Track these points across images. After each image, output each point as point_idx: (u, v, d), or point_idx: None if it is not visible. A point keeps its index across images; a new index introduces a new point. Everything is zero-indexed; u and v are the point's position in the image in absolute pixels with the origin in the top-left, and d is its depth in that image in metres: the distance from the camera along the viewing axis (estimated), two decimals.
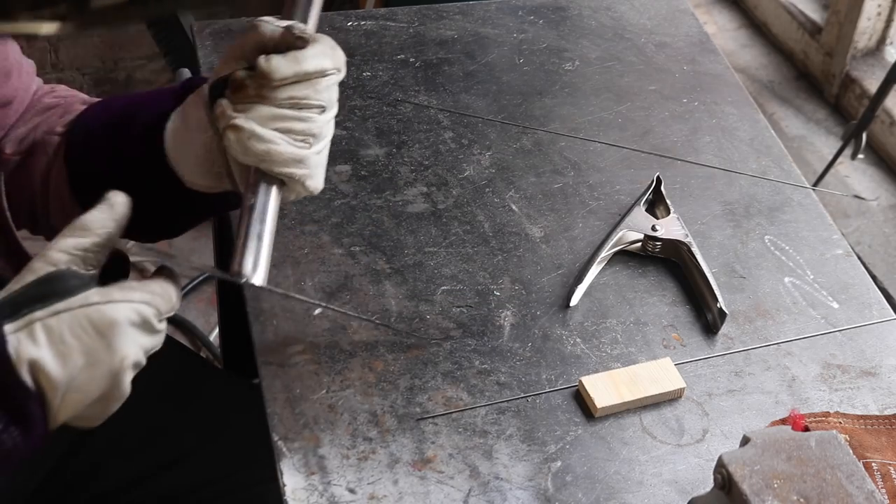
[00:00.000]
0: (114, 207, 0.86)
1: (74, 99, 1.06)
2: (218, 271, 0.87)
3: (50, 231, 1.06)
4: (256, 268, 0.88)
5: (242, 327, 1.06)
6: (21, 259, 1.07)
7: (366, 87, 1.33)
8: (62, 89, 1.09)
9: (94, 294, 0.79)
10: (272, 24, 0.89)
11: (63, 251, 0.82)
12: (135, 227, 0.91)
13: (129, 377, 0.81)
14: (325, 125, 0.89)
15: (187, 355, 1.35)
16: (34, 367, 0.77)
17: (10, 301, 0.79)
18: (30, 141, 1.03)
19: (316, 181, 0.91)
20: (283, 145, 0.87)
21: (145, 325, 0.82)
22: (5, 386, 0.77)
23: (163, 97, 0.98)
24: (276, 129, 0.87)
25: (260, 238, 0.89)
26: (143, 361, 0.82)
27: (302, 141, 0.88)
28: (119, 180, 0.93)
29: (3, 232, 1.04)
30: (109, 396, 0.81)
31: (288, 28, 0.88)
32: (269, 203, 0.90)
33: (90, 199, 0.90)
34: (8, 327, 0.77)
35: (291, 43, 0.88)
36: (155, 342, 0.84)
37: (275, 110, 0.87)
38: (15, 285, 0.80)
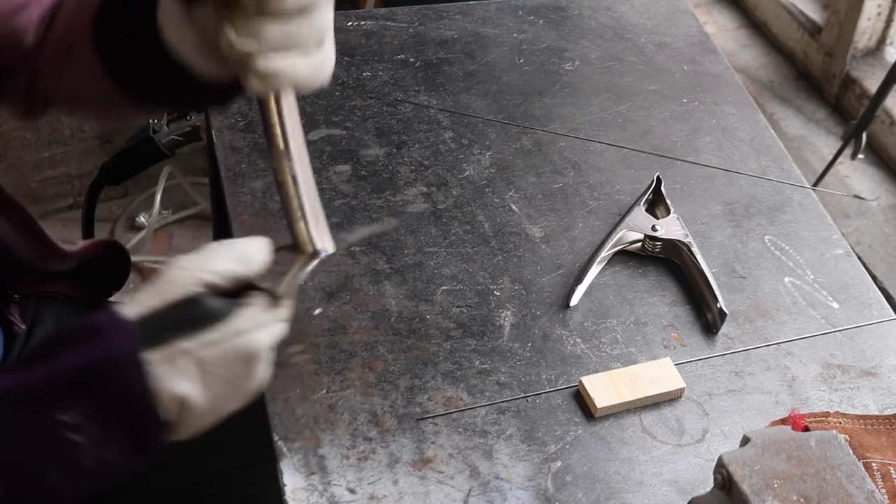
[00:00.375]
0: (260, 247, 0.80)
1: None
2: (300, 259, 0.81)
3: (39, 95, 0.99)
4: (324, 235, 0.83)
5: None
6: (14, 213, 1.07)
7: (366, 87, 1.33)
8: None
9: (242, 321, 0.75)
10: None
11: (213, 273, 0.76)
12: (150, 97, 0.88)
13: (256, 386, 0.79)
14: (329, 9, 0.81)
15: None
16: (180, 401, 0.74)
17: (155, 324, 0.74)
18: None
19: (330, 70, 0.84)
20: (303, 66, 0.78)
21: (277, 332, 0.79)
22: (143, 419, 0.73)
23: None
24: (293, 48, 0.78)
25: (310, 200, 0.81)
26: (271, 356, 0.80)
27: (317, 47, 0.80)
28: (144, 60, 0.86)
29: None
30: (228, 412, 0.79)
31: None
32: (295, 128, 0.80)
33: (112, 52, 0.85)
34: (155, 356, 0.73)
35: None
36: (278, 336, 0.80)
37: (286, 27, 0.77)
38: (151, 298, 0.75)
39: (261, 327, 0.76)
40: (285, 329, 0.80)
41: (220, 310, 0.75)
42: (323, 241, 0.82)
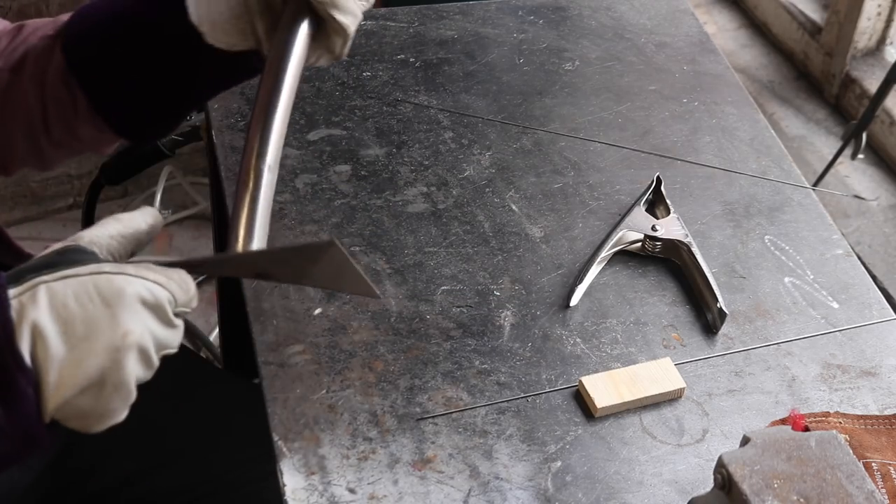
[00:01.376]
0: (150, 214, 0.83)
1: (59, 19, 1.00)
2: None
3: (54, 149, 1.02)
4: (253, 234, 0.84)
5: (242, 327, 1.06)
6: (5, 243, 1.07)
7: (366, 87, 1.33)
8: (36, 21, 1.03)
9: (106, 265, 0.75)
10: None
11: (87, 236, 0.80)
12: (141, 103, 0.90)
13: (130, 361, 0.75)
14: None
15: (187, 355, 1.34)
16: (34, 331, 0.72)
17: (19, 270, 0.75)
18: (19, 53, 0.97)
19: (347, 45, 0.90)
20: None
21: (158, 310, 0.77)
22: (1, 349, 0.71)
23: None
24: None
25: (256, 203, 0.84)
26: (152, 352, 0.76)
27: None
28: (125, 50, 0.90)
29: None
30: (107, 381, 0.74)
31: None
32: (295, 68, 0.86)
33: (91, 88, 0.89)
34: (11, 291, 0.73)
35: None
36: (168, 336, 0.78)
37: None
38: (32, 261, 0.76)
39: (128, 275, 0.75)
40: (173, 291, 0.78)
41: (88, 257, 0.76)
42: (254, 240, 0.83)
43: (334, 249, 0.82)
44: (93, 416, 0.76)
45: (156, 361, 0.79)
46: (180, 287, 0.79)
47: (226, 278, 1.52)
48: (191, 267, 0.82)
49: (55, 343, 0.73)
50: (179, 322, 0.80)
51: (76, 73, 0.96)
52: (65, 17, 0.99)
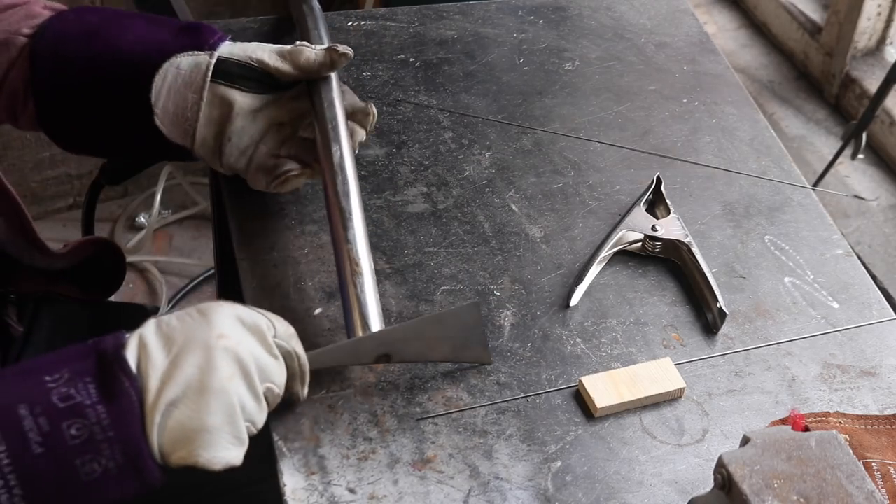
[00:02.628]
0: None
1: (35, 2, 1.06)
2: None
3: None
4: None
5: None
6: (4, 199, 1.07)
7: (366, 87, 1.33)
8: None
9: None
10: (313, 49, 1.01)
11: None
12: (85, 139, 1.00)
13: (225, 363, 0.80)
14: None
15: None
16: (140, 344, 0.80)
17: None
18: None
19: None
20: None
21: (255, 331, 0.84)
22: (110, 358, 0.78)
23: (158, 35, 1.01)
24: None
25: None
26: (254, 374, 0.82)
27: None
28: (88, 102, 1.00)
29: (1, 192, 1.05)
30: (205, 385, 0.79)
31: (331, 48, 1.02)
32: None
33: (45, 110, 0.99)
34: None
35: (336, 60, 1.01)
36: (269, 364, 0.85)
37: None
38: None
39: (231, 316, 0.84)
40: (272, 319, 0.87)
41: None
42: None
43: (475, 311, 0.99)
44: (193, 430, 0.79)
45: (259, 388, 0.84)
46: (279, 320, 0.87)
47: (225, 278, 1.52)
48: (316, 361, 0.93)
49: (156, 352, 0.80)
50: (279, 355, 0.86)
51: (35, 92, 1.02)
52: (39, 13, 1.03)
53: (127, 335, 0.81)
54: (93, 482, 0.76)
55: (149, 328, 0.81)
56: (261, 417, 0.85)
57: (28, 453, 0.75)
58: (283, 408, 0.96)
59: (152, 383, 0.78)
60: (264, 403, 0.85)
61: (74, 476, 0.76)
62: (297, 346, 0.89)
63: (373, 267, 0.99)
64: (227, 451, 0.81)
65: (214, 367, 0.80)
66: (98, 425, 0.76)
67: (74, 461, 0.75)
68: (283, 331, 0.87)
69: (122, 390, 0.77)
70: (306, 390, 0.92)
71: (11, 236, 1.10)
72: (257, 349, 0.83)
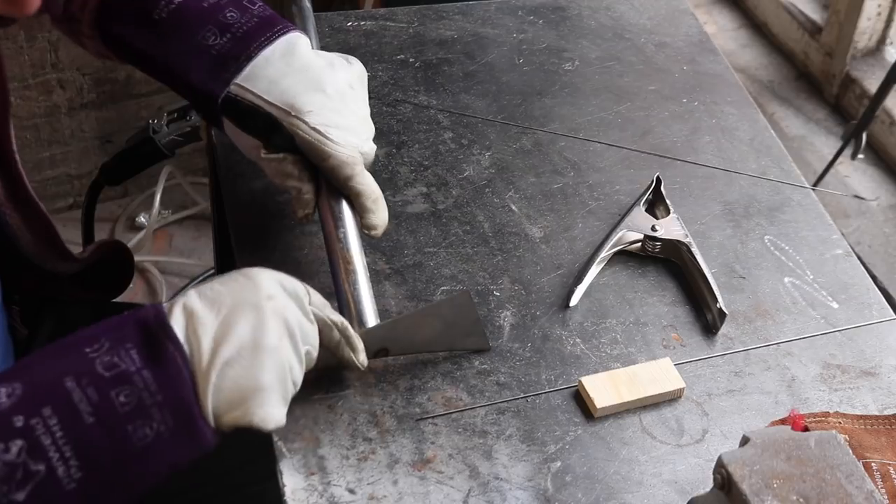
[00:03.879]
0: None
1: None
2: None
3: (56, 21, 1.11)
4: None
5: None
6: (32, 213, 1.08)
7: None
8: None
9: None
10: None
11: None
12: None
13: (275, 322, 0.82)
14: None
15: None
16: (186, 311, 0.81)
17: None
18: None
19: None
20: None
21: (296, 298, 0.85)
22: (154, 325, 0.79)
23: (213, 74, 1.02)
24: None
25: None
26: (297, 335, 0.85)
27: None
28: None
29: (12, 177, 1.04)
30: (258, 342, 0.81)
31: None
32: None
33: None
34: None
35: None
36: (308, 329, 0.86)
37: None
38: None
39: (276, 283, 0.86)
40: (309, 289, 0.89)
41: None
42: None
43: (467, 299, 0.99)
44: (249, 388, 0.81)
45: (301, 350, 0.86)
46: (313, 291, 0.89)
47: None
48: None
49: (205, 315, 0.81)
50: (314, 321, 0.88)
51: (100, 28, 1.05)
52: None
53: (165, 305, 0.82)
54: (146, 447, 0.77)
55: (191, 296, 0.82)
56: (301, 378, 0.87)
57: (80, 424, 0.75)
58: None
59: (205, 344, 0.80)
60: (304, 365, 0.87)
61: (128, 442, 0.77)
62: (333, 315, 0.90)
63: (366, 264, 1.00)
64: (278, 410, 0.83)
65: (267, 326, 0.82)
66: (146, 390, 0.77)
67: (126, 427, 0.76)
68: (318, 300, 0.89)
69: (168, 355, 0.78)
70: (362, 357, 0.94)
71: (38, 247, 1.10)
72: (299, 315, 0.86)
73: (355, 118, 1.01)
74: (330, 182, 1.01)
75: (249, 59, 1.00)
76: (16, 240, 1.07)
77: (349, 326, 0.92)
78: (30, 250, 1.09)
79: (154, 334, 0.79)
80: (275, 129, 0.99)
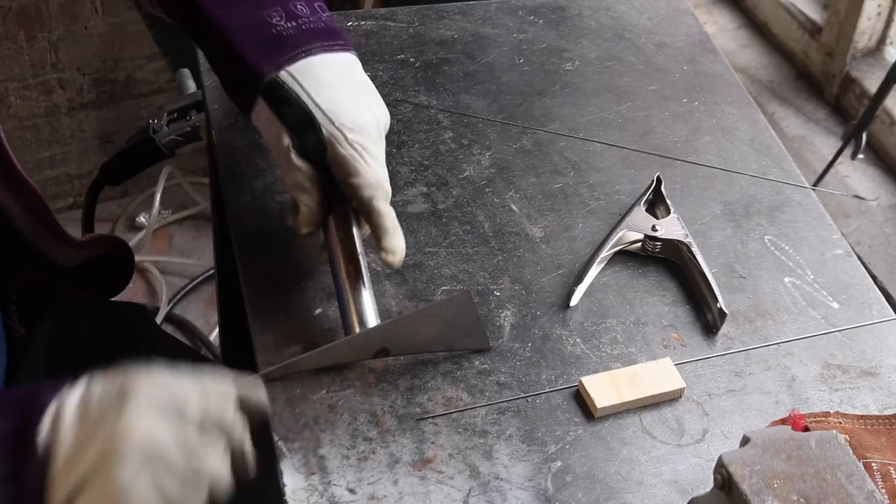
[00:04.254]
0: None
1: None
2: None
3: None
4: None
5: (242, 327, 1.06)
6: (23, 190, 1.07)
7: None
8: None
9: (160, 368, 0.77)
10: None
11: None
12: None
13: (127, 462, 0.72)
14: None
15: (187, 355, 1.34)
16: (57, 412, 0.73)
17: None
18: None
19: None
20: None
21: (175, 412, 0.75)
22: (23, 430, 0.72)
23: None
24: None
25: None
26: (171, 457, 0.74)
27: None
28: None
29: (3, 162, 1.03)
30: (106, 474, 0.71)
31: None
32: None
33: None
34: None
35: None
36: (192, 441, 0.75)
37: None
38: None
39: (156, 378, 0.77)
40: (209, 401, 0.78)
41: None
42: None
43: (467, 298, 0.99)
44: None
45: (185, 469, 0.75)
46: (217, 397, 0.78)
47: (225, 278, 1.53)
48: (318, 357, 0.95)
49: (67, 429, 0.73)
50: (212, 427, 0.77)
51: None
52: None
53: (59, 391, 0.74)
54: None
55: (74, 395, 0.74)
56: (205, 490, 0.77)
57: None
58: (283, 408, 0.96)
59: (59, 460, 0.72)
60: (205, 476, 0.77)
61: None
62: (232, 418, 0.79)
63: (366, 264, 1.00)
64: None
65: (117, 459, 0.72)
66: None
67: None
68: (214, 408, 0.78)
69: (27, 477, 0.72)
70: (251, 468, 0.82)
71: (33, 227, 1.09)
72: (176, 432, 0.75)
73: (383, 160, 0.99)
74: (342, 195, 1.00)
75: (309, 53, 0.98)
76: (8, 216, 1.06)
77: (241, 436, 0.80)
78: (23, 227, 1.08)
79: (27, 435, 0.72)
80: (309, 130, 0.96)
